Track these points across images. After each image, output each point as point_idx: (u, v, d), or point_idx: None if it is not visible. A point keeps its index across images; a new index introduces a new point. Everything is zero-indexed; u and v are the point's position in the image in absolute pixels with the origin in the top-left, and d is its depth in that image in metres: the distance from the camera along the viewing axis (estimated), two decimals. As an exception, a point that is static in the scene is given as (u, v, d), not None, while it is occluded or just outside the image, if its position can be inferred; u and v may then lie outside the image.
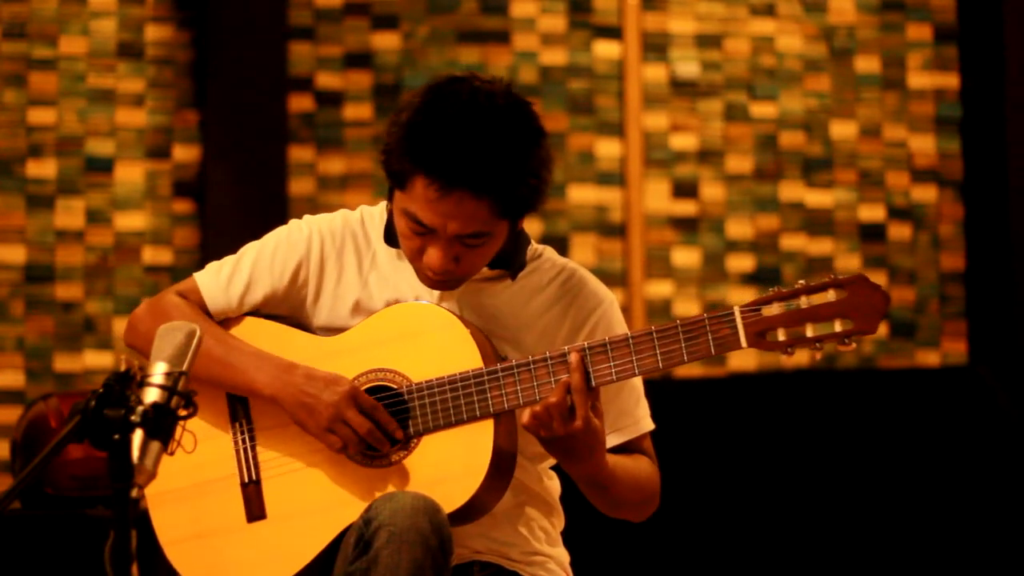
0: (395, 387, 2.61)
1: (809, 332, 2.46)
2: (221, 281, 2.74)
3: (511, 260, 2.68)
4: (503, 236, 2.59)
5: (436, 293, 2.67)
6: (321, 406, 2.59)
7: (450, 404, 2.57)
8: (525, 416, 2.50)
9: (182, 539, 2.71)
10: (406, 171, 2.52)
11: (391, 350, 2.62)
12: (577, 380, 2.50)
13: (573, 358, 2.51)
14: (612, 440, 2.67)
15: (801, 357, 5.49)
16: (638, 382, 2.73)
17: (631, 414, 2.72)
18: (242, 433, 2.70)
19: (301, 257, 2.72)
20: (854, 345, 2.45)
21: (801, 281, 2.47)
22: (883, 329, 5.56)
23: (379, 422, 2.59)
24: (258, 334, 2.72)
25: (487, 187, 2.49)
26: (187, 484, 2.70)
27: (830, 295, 2.45)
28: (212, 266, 2.78)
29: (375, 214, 2.76)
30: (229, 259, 2.77)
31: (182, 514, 2.71)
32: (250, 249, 2.77)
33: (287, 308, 2.74)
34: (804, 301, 2.46)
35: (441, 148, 2.48)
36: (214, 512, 2.69)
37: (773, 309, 2.46)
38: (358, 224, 2.75)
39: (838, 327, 2.45)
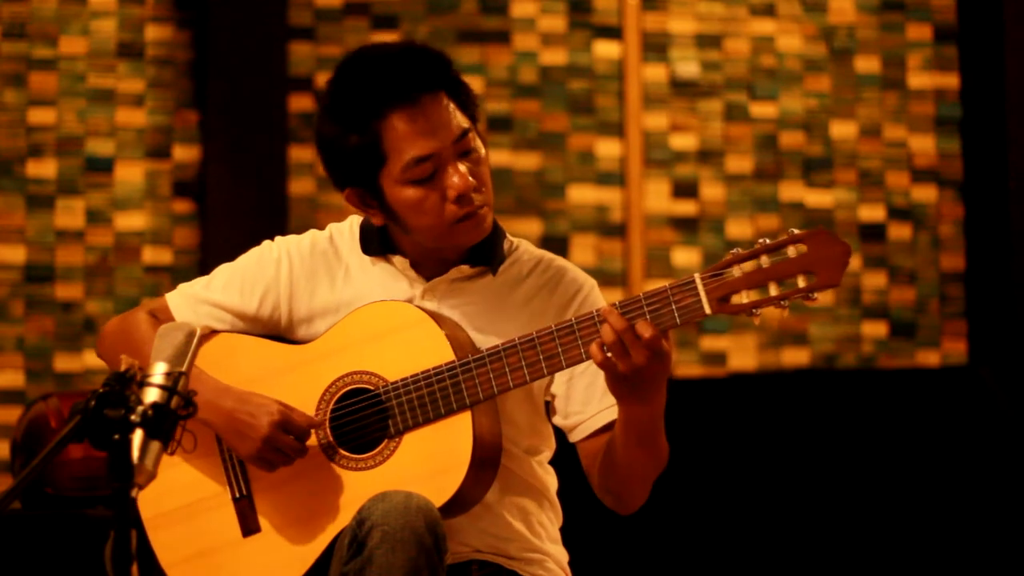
0: (372, 388, 2.62)
1: (773, 291, 2.42)
2: (190, 302, 2.77)
3: (490, 255, 2.70)
4: (482, 146, 2.64)
5: (416, 292, 2.68)
6: (253, 433, 2.61)
7: (427, 400, 2.58)
8: (594, 350, 2.44)
9: (182, 560, 2.72)
10: (377, 133, 2.59)
11: (364, 351, 2.63)
12: (620, 321, 2.44)
13: (614, 319, 2.43)
14: (607, 416, 2.65)
15: (801, 356, 5.51)
16: None
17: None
18: (230, 449, 2.71)
19: (269, 282, 2.74)
20: (819, 298, 2.41)
21: (761, 240, 2.43)
22: (883, 329, 5.56)
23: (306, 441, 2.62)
24: (232, 348, 2.74)
25: (435, 81, 2.61)
26: (181, 504, 2.72)
27: (790, 251, 2.41)
28: (183, 287, 2.81)
29: (344, 229, 2.80)
30: (200, 280, 2.80)
31: (180, 535, 2.72)
32: (221, 271, 2.80)
33: (260, 329, 2.76)
34: (765, 261, 2.42)
35: (383, 80, 2.59)
36: (210, 530, 2.70)
37: (735, 272, 2.42)
38: (327, 242, 2.78)
39: (802, 283, 2.40)
